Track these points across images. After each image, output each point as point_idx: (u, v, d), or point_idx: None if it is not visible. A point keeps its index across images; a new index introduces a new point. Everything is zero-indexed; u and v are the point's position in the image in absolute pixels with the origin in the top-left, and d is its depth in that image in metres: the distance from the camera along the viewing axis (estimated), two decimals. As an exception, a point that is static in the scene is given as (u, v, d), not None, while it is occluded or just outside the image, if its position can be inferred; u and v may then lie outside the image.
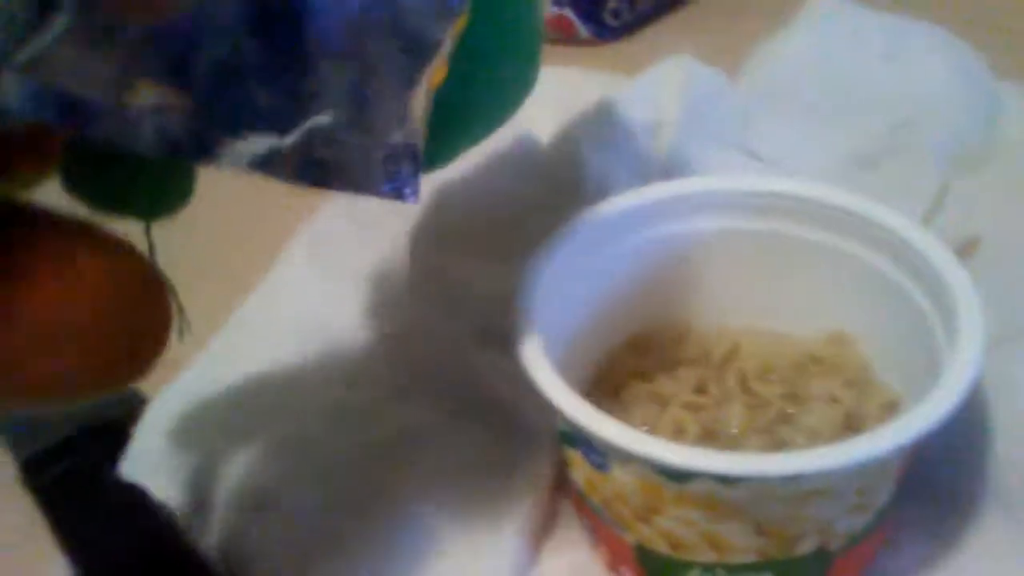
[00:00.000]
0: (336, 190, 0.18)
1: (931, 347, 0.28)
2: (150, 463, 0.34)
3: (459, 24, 0.19)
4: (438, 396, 0.34)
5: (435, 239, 0.37)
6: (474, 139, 0.25)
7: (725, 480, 0.24)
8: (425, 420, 0.34)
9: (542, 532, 0.31)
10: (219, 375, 0.38)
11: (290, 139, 0.17)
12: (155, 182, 0.21)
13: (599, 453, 0.25)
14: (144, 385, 0.38)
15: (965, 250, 0.37)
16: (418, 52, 0.19)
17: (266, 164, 0.17)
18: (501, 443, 0.32)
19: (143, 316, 0.17)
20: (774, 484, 0.24)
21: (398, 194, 0.19)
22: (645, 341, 0.34)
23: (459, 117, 0.23)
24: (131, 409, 0.37)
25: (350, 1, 0.17)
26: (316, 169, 0.18)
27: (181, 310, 0.21)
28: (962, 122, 0.41)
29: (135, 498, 0.32)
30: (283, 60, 0.17)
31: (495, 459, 0.32)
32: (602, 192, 0.36)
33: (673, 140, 0.41)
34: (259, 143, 0.17)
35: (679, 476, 0.24)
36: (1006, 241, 0.36)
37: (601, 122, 0.37)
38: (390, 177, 0.19)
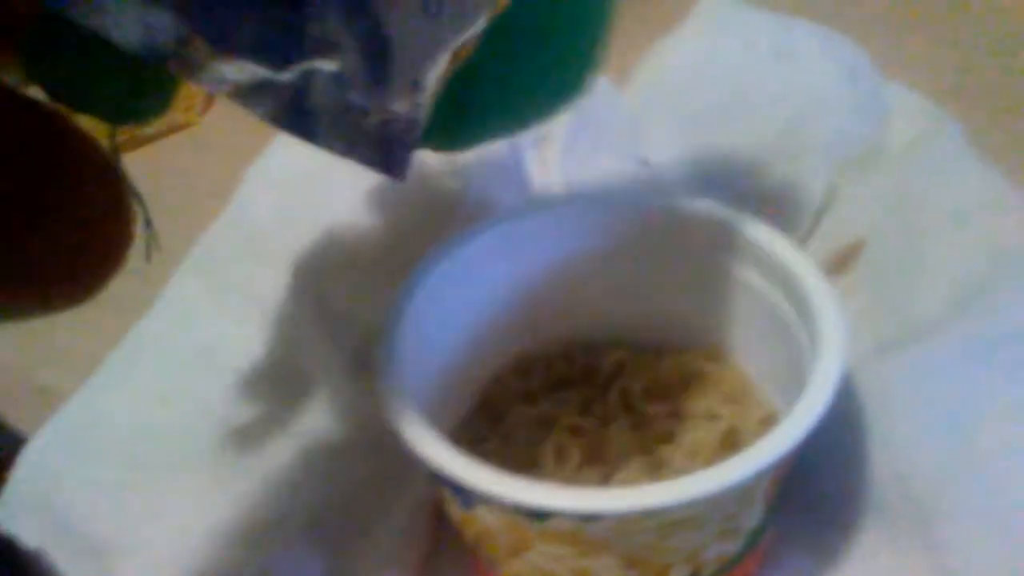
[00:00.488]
0: (318, 145, 0.17)
1: (799, 361, 0.28)
2: (27, 507, 0.33)
3: None
4: (320, 424, 0.34)
5: (317, 263, 0.36)
6: (513, 126, 0.23)
7: (584, 517, 0.23)
8: (308, 447, 0.33)
9: (423, 564, 0.31)
10: (103, 407, 0.37)
11: (285, 76, 0.16)
12: (129, 82, 0.19)
13: (463, 493, 0.25)
14: (24, 423, 0.37)
15: (849, 254, 0.38)
16: (450, 18, 0.17)
17: (250, 96, 0.16)
18: (379, 474, 0.31)
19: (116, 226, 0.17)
20: (634, 518, 0.23)
21: (385, 167, 0.18)
22: (530, 362, 0.33)
23: (494, 97, 0.21)
24: (7, 450, 0.35)
25: None
26: (304, 118, 0.17)
27: (150, 225, 0.20)
28: (850, 124, 0.41)
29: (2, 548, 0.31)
30: None
31: (373, 490, 0.31)
32: (483, 211, 0.35)
33: (559, 152, 0.40)
34: (247, 70, 0.16)
35: (539, 515, 0.24)
36: (890, 245, 0.36)
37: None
38: (382, 147, 0.17)
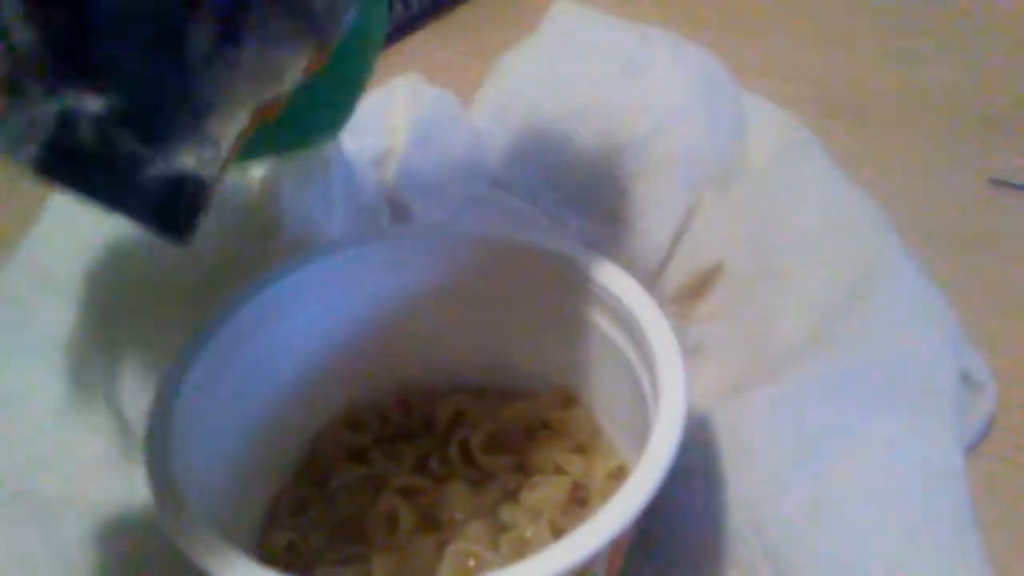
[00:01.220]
0: (83, 195, 0.15)
1: (644, 411, 0.25)
2: None
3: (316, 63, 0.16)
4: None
5: (114, 300, 0.32)
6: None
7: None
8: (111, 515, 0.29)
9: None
10: None
11: (41, 109, 0.14)
12: None
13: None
14: None
15: (708, 279, 0.35)
16: (250, 73, 0.16)
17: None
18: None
19: None
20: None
21: (162, 226, 0.16)
22: (361, 413, 0.30)
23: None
24: None
25: None
26: (66, 161, 0.15)
27: None
28: (707, 140, 0.39)
29: None
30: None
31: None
32: (307, 239, 0.32)
33: (400, 170, 0.37)
34: None
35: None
36: (749, 269, 0.34)
37: (310, 154, 0.33)
38: (160, 205, 0.15)
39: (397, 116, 0.38)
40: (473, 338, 0.30)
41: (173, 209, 0.16)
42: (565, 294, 0.27)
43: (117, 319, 0.33)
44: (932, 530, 0.26)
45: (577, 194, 0.39)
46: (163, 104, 0.15)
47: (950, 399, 0.29)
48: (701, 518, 0.28)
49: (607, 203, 0.38)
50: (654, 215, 0.38)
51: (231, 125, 0.16)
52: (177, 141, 0.15)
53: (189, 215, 0.16)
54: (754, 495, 0.27)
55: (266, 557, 0.26)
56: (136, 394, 0.32)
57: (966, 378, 0.31)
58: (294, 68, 0.16)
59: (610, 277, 0.26)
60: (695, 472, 0.28)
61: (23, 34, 0.14)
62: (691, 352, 0.34)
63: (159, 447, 0.23)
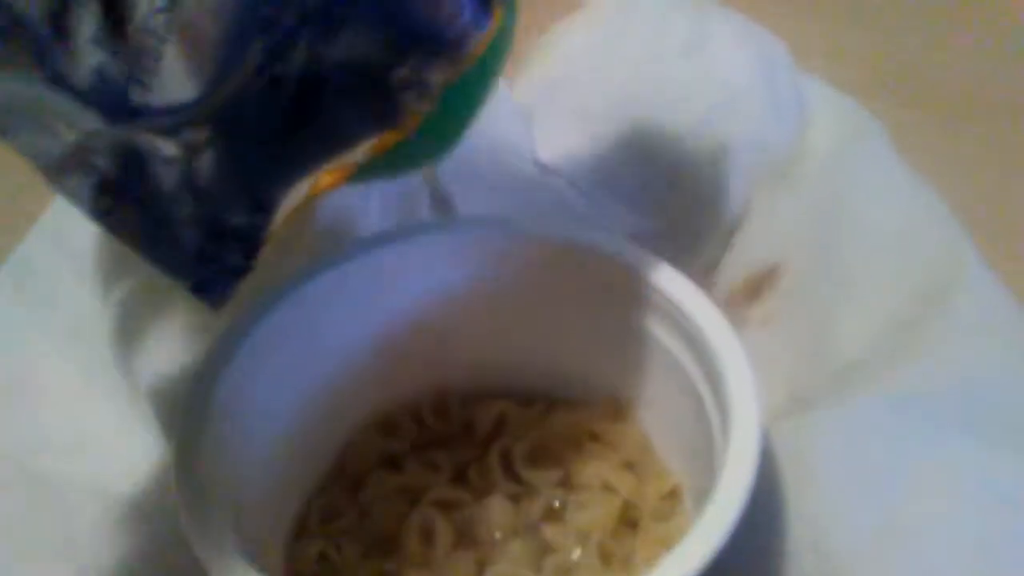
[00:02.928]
0: (127, 241, 0.15)
1: (707, 430, 0.23)
2: None
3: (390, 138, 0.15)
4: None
5: (137, 277, 0.30)
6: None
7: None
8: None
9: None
10: None
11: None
12: None
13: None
14: None
15: (764, 281, 0.33)
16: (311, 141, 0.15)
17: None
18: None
19: None
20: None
21: (197, 286, 0.16)
22: (395, 418, 0.28)
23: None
24: None
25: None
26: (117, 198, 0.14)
27: None
28: (767, 126, 0.36)
29: None
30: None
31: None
32: (342, 228, 0.30)
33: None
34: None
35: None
36: (809, 272, 0.32)
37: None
38: (200, 261, 0.15)
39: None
40: (518, 342, 0.28)
41: (209, 269, 0.15)
42: (621, 299, 0.25)
43: (140, 296, 0.32)
44: (1009, 570, 0.24)
45: (626, 180, 0.36)
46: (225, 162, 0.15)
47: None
48: (761, 541, 0.26)
49: (658, 191, 0.36)
50: (709, 206, 0.36)
51: (288, 194, 0.15)
52: (231, 202, 0.15)
53: (227, 279, 0.15)
54: (818, 521, 0.25)
55: (297, 570, 0.25)
56: (158, 379, 0.30)
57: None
58: (366, 144, 0.15)
59: (672, 284, 0.24)
60: (755, 494, 0.26)
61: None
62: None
63: (188, 456, 0.22)
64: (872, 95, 0.39)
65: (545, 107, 0.38)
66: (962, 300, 0.28)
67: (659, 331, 0.25)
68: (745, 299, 0.33)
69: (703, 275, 0.34)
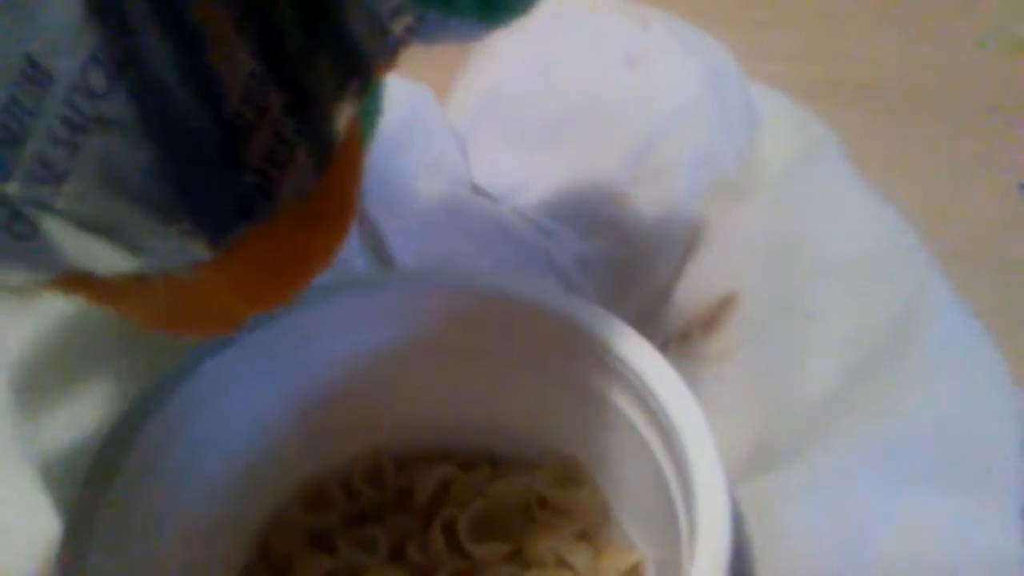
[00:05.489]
0: None
1: (666, 495, 0.21)
2: None
3: None
4: None
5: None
6: None
7: None
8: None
9: None
10: None
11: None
12: None
13: None
14: None
15: (720, 310, 0.31)
16: None
17: None
18: None
19: None
20: None
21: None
22: (324, 488, 0.25)
23: None
24: None
25: None
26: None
27: None
28: (717, 141, 0.34)
29: None
30: None
31: None
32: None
33: (367, 183, 0.32)
34: None
35: None
36: (769, 299, 0.30)
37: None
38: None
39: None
40: (458, 400, 0.25)
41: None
42: (564, 355, 0.23)
43: (40, 358, 0.28)
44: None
45: (569, 203, 0.34)
46: None
47: (1010, 472, 0.25)
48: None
49: (603, 215, 0.34)
50: (657, 229, 0.33)
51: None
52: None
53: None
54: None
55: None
56: (56, 450, 0.27)
57: None
58: None
59: (618, 338, 0.22)
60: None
61: None
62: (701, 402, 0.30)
63: (78, 546, 0.19)
64: (817, 97, 0.37)
65: (481, 126, 0.35)
66: (932, 334, 0.27)
67: (607, 388, 0.23)
68: (701, 332, 0.31)
69: (652, 304, 0.32)
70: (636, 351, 0.22)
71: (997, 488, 0.25)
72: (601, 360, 0.22)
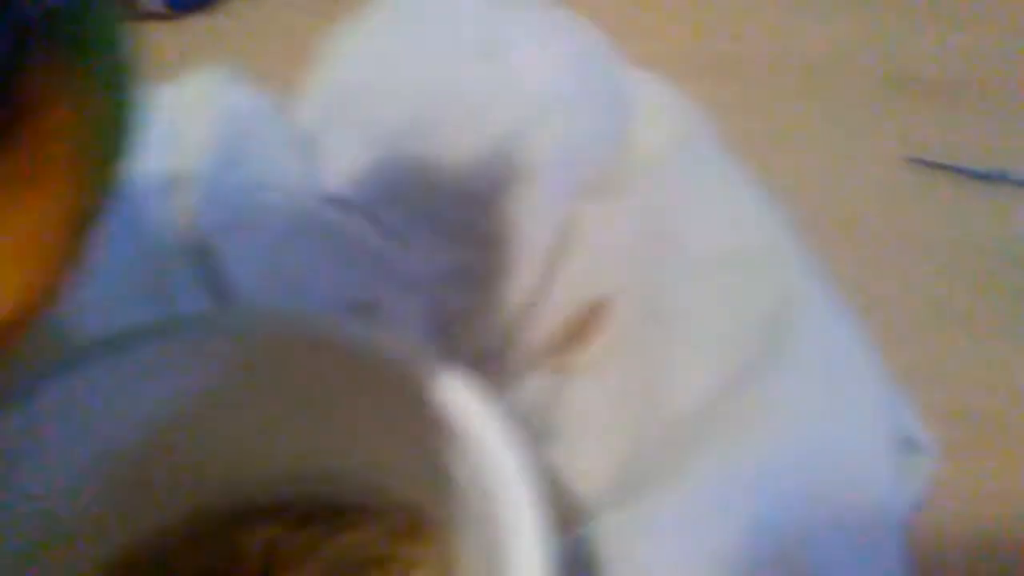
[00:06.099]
0: None
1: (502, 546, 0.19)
2: None
3: None
4: None
5: None
6: None
7: None
8: None
9: None
10: None
11: None
12: None
13: None
14: None
15: (591, 318, 0.29)
16: None
17: None
18: None
19: None
20: None
21: None
22: (137, 559, 0.23)
23: None
24: None
25: None
26: None
27: None
28: (584, 136, 0.32)
29: None
30: None
31: None
32: (59, 338, 0.24)
33: (201, 202, 0.29)
34: None
35: None
36: (638, 306, 0.28)
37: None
38: None
39: (196, 130, 0.30)
40: (293, 448, 0.23)
41: None
42: (403, 405, 0.20)
43: None
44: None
45: (428, 209, 0.31)
46: None
47: (882, 486, 0.23)
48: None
49: (464, 219, 0.31)
50: (522, 233, 0.31)
51: None
52: None
53: None
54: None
55: None
56: None
57: (904, 441, 0.25)
58: None
59: (454, 397, 0.19)
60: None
61: None
62: (571, 420, 0.27)
63: None
64: (690, 75, 0.35)
65: (330, 127, 0.32)
66: (797, 342, 0.25)
67: (437, 437, 0.20)
68: (572, 343, 0.29)
69: (518, 313, 0.30)
70: (464, 404, 0.19)
71: (870, 506, 0.23)
72: (427, 408, 0.20)
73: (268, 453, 0.23)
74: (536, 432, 0.27)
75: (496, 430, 0.18)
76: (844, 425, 0.24)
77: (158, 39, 0.46)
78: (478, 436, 0.18)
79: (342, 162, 0.32)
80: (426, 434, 0.21)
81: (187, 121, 0.30)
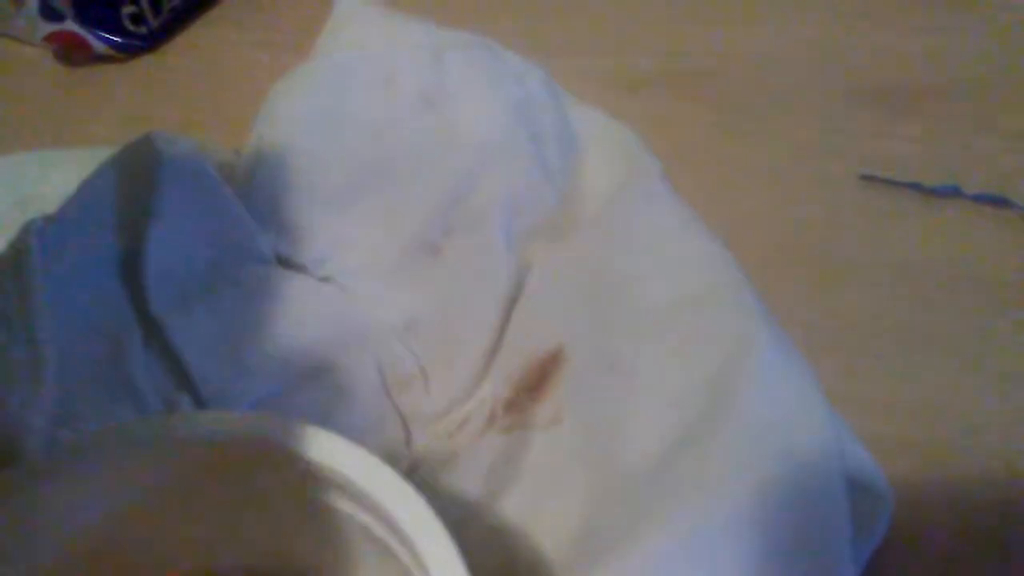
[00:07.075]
0: None
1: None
2: None
3: None
4: None
5: None
6: None
7: None
8: None
9: None
10: None
11: None
12: None
13: None
14: None
15: (547, 370, 0.29)
16: None
17: None
18: None
19: None
20: None
21: None
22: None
23: None
24: None
25: None
26: None
27: None
28: (533, 179, 0.32)
29: None
30: None
31: None
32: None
33: (147, 278, 0.29)
34: None
35: None
36: (592, 355, 0.28)
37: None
38: None
39: (137, 195, 0.29)
40: (192, 539, 0.23)
41: None
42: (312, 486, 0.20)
43: None
44: None
45: (384, 264, 0.31)
46: None
47: (839, 541, 0.23)
48: None
49: (420, 274, 0.31)
50: (475, 283, 0.31)
51: None
52: None
53: None
54: None
55: None
56: None
57: (857, 486, 0.25)
58: None
59: (358, 469, 0.19)
60: None
61: None
62: (531, 476, 0.27)
63: None
64: (648, 92, 0.35)
65: (278, 188, 0.32)
66: (746, 395, 0.25)
67: (357, 513, 0.20)
68: (528, 398, 0.29)
69: (479, 363, 0.30)
70: (374, 479, 0.19)
71: (830, 554, 0.23)
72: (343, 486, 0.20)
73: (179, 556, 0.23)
74: (496, 490, 0.27)
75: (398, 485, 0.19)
76: (798, 475, 0.24)
77: (109, 82, 0.45)
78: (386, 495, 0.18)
79: (295, 223, 0.32)
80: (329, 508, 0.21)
81: (130, 190, 0.29)
